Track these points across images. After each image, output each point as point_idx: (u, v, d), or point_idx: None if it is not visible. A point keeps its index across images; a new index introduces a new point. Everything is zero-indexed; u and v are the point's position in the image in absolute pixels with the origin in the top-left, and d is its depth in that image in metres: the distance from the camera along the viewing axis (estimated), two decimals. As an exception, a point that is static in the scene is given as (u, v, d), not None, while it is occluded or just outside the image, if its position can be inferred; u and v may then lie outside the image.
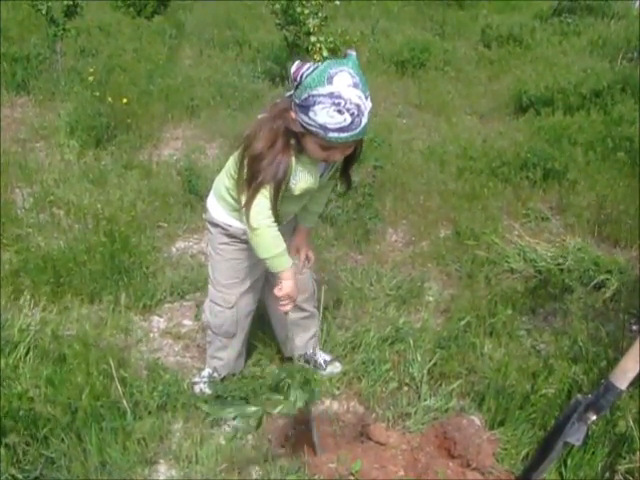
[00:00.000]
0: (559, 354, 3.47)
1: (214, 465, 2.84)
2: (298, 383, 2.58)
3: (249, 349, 3.46)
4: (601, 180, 5.46)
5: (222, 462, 2.87)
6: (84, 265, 4.07)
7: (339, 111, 2.37)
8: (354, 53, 2.46)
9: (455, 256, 4.59)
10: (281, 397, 2.58)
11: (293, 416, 3.11)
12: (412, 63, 9.06)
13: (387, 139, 6.22)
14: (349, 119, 2.39)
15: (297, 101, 2.46)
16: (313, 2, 7.38)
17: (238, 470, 2.86)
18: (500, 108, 7.68)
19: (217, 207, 2.95)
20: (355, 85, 2.37)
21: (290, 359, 3.26)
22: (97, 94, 6.75)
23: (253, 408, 2.58)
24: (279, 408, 2.57)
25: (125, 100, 6.65)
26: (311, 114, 2.41)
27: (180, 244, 4.74)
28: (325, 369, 3.46)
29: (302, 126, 2.49)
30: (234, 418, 2.72)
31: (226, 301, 3.08)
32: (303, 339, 3.40)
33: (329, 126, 2.41)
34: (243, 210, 2.64)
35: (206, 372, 3.33)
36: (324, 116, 2.39)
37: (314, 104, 2.38)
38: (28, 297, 3.84)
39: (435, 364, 3.45)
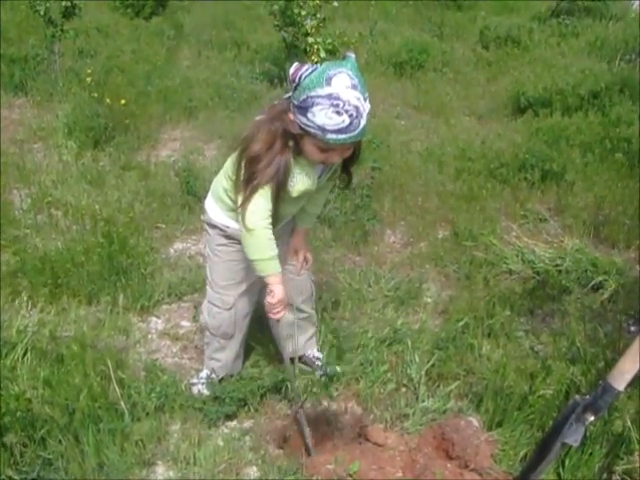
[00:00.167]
0: (557, 355, 3.47)
1: (212, 466, 2.84)
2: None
3: (247, 350, 3.45)
4: (599, 181, 5.46)
5: (220, 463, 2.87)
6: (82, 266, 4.07)
7: (337, 112, 2.36)
8: (353, 55, 2.46)
9: (453, 257, 4.59)
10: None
11: (291, 417, 3.12)
12: (410, 64, 9.06)
13: (385, 140, 6.22)
14: (347, 120, 2.39)
15: (295, 102, 2.45)
16: (311, 3, 7.37)
17: (236, 471, 2.86)
18: (498, 109, 7.69)
19: (215, 208, 2.95)
20: (354, 87, 2.37)
21: (290, 360, 3.26)
22: (95, 95, 6.74)
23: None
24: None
25: (123, 101, 6.65)
26: (309, 115, 2.41)
27: (178, 245, 4.74)
28: (323, 370, 3.45)
29: (300, 127, 2.48)
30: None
31: (224, 302, 3.07)
32: (301, 340, 3.40)
33: (327, 127, 2.40)
34: (239, 210, 2.64)
35: (204, 373, 3.33)
36: (322, 117, 2.38)
37: (312, 105, 2.38)
38: (26, 298, 3.84)
39: (433, 365, 3.45)
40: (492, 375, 3.27)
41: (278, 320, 2.83)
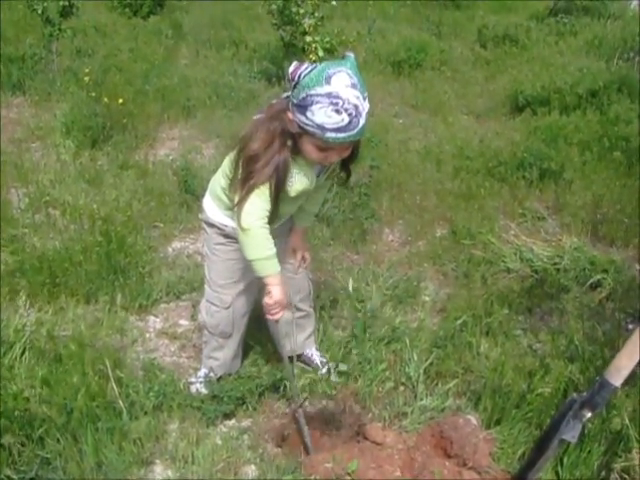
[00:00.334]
0: (555, 353, 3.47)
1: (210, 465, 2.84)
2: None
3: (245, 349, 3.45)
4: (597, 180, 5.46)
5: (218, 462, 2.86)
6: (80, 265, 4.07)
7: (337, 111, 2.36)
8: (352, 54, 2.45)
9: (451, 256, 4.59)
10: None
11: (289, 416, 3.12)
12: (408, 63, 9.06)
13: (384, 139, 6.23)
14: (347, 119, 2.39)
15: (295, 101, 2.45)
16: (309, 2, 7.37)
17: (234, 470, 2.86)
18: (496, 108, 7.69)
19: (213, 207, 2.95)
20: (353, 86, 2.37)
21: (288, 359, 3.25)
22: (93, 94, 6.73)
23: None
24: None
25: (121, 100, 6.64)
26: (309, 114, 2.41)
27: (176, 244, 4.74)
28: (322, 369, 3.45)
29: (299, 126, 2.48)
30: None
31: (222, 301, 3.07)
32: (300, 339, 3.40)
33: (327, 126, 2.40)
34: (235, 210, 2.63)
35: (202, 372, 3.33)
36: (322, 116, 2.38)
37: (312, 104, 2.38)
38: (24, 297, 3.83)
39: (431, 363, 3.45)
40: (490, 373, 3.27)
41: (276, 321, 2.82)
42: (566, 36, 10.40)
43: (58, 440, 2.81)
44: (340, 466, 2.76)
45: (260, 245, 2.65)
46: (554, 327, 3.81)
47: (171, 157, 6.01)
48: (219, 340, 3.20)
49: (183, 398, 3.16)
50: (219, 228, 2.94)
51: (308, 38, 7.34)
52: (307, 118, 2.42)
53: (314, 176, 2.74)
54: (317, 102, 2.37)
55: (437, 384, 3.37)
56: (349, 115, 2.38)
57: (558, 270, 4.30)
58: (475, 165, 5.83)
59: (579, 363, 3.32)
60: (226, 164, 2.82)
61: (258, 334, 3.50)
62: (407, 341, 3.56)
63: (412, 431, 3.08)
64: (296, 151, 2.59)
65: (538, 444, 2.70)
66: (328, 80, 2.35)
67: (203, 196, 3.04)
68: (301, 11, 7.39)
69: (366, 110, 2.43)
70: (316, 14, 7.44)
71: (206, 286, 3.14)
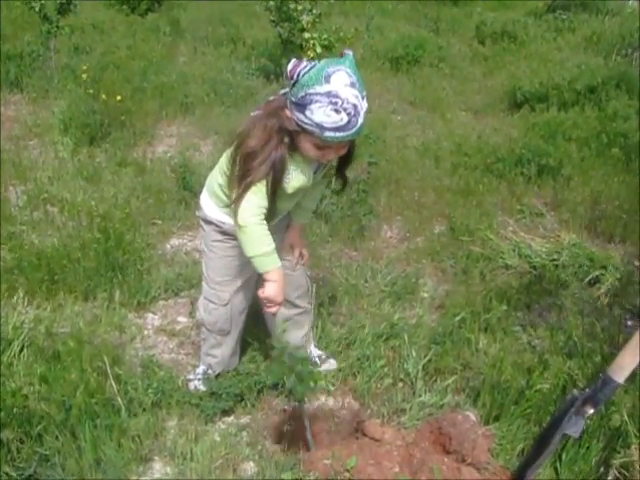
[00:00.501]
0: (554, 349, 3.47)
1: (209, 462, 2.83)
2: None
3: (244, 346, 3.45)
4: (595, 176, 5.46)
5: (217, 459, 2.86)
6: (78, 262, 4.06)
7: (336, 110, 2.36)
8: (351, 53, 2.45)
9: (450, 252, 4.59)
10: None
11: (288, 412, 3.12)
12: (406, 60, 9.07)
13: (382, 135, 6.23)
14: (346, 118, 2.39)
15: (293, 99, 2.45)
16: (307, -1, 7.39)
17: (233, 467, 2.85)
18: (494, 104, 7.69)
19: (210, 204, 2.94)
20: (352, 85, 2.37)
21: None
22: (91, 91, 6.71)
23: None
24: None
25: (119, 97, 6.62)
26: (308, 113, 2.40)
27: (174, 241, 4.73)
28: (320, 366, 3.45)
29: (298, 124, 2.48)
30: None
31: (220, 298, 3.07)
32: (297, 336, 3.40)
33: (326, 125, 2.40)
34: (232, 207, 2.63)
35: (201, 369, 3.32)
36: (321, 115, 2.38)
37: (311, 102, 2.38)
38: (22, 294, 3.82)
39: (430, 360, 3.45)
40: (489, 370, 3.27)
41: (273, 314, 2.83)
42: (564, 32, 10.42)
43: (57, 437, 2.81)
44: (339, 462, 2.75)
45: (258, 242, 2.65)
46: (553, 323, 3.81)
47: (169, 154, 6.01)
48: (217, 337, 3.20)
49: (182, 395, 3.15)
50: (216, 225, 2.94)
51: (306, 35, 7.35)
52: (306, 117, 2.42)
53: (311, 173, 2.74)
54: (316, 101, 2.37)
55: (436, 380, 3.37)
56: (348, 115, 2.38)
57: (557, 266, 4.30)
58: (473, 161, 5.83)
59: (578, 359, 3.33)
60: (223, 161, 2.81)
61: (256, 331, 3.49)
62: (406, 337, 3.56)
63: (411, 427, 3.08)
64: (293, 148, 2.59)
65: (538, 441, 2.71)
66: (327, 79, 2.35)
67: (201, 193, 3.03)
68: (299, 8, 7.38)
69: (365, 109, 2.43)
70: (314, 11, 7.44)
71: (204, 283, 3.14)
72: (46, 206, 4.96)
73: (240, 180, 2.59)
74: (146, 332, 3.80)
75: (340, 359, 3.50)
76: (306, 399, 2.94)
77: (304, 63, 2.44)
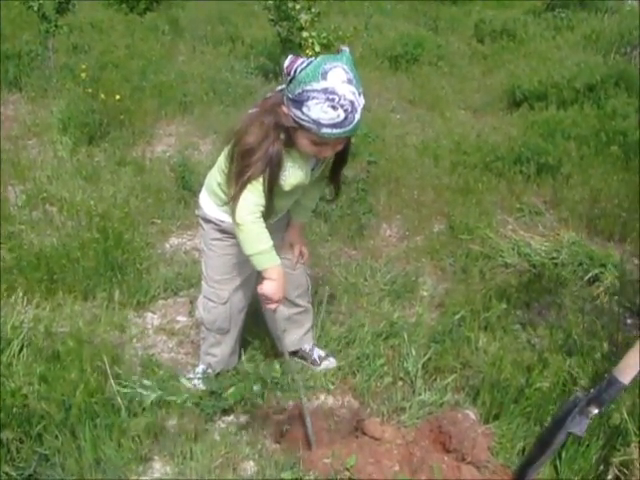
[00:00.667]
0: (554, 348, 3.47)
1: (209, 461, 2.83)
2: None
3: (243, 345, 3.45)
4: (595, 174, 5.46)
5: (217, 458, 2.86)
6: (77, 262, 4.06)
7: (333, 107, 2.36)
8: (347, 49, 2.45)
9: (449, 251, 4.59)
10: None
11: (288, 411, 3.12)
12: (405, 58, 9.07)
13: (381, 134, 6.22)
14: (343, 115, 2.39)
15: (290, 96, 2.45)
16: (305, -2, 7.39)
17: (233, 466, 2.85)
18: (494, 103, 7.69)
19: (209, 203, 2.94)
20: (349, 81, 2.37)
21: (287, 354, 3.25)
22: (89, 91, 6.71)
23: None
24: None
25: (118, 97, 6.62)
26: (304, 109, 2.40)
27: (174, 240, 4.73)
28: (320, 364, 3.45)
29: (294, 121, 2.48)
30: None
31: (219, 297, 3.07)
32: (297, 334, 3.40)
33: (322, 122, 2.40)
34: (230, 205, 2.64)
35: (200, 368, 3.32)
36: (318, 111, 2.38)
37: (308, 99, 2.38)
38: (21, 294, 3.82)
39: (430, 358, 3.45)
40: (489, 368, 3.27)
41: (273, 311, 2.83)
42: (563, 31, 10.42)
43: (56, 437, 2.80)
44: (339, 461, 2.75)
45: (255, 239, 2.66)
46: (552, 321, 3.81)
47: (168, 153, 6.01)
48: (217, 336, 3.20)
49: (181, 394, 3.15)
50: (215, 224, 2.94)
51: (305, 34, 7.34)
52: (303, 113, 2.42)
53: (309, 170, 2.75)
54: (313, 98, 2.37)
55: (435, 379, 3.37)
56: (345, 111, 2.38)
57: (556, 265, 4.30)
58: (472, 160, 5.82)
59: (577, 357, 3.33)
60: (222, 159, 2.82)
61: (256, 330, 3.50)
62: (405, 336, 3.56)
63: (411, 426, 3.08)
64: (290, 144, 2.59)
65: (539, 440, 2.71)
66: (324, 76, 2.35)
67: (200, 192, 3.03)
68: (297, 7, 7.39)
69: (361, 106, 2.44)
70: (312, 10, 7.44)
71: (203, 282, 3.14)
72: (45, 206, 4.96)
73: (237, 177, 2.59)
74: (146, 331, 3.79)
75: (340, 358, 3.50)
76: (306, 397, 2.95)
77: (301, 59, 2.44)
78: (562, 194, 5.26)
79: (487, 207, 5.09)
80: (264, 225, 2.66)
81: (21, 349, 3.29)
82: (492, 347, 3.50)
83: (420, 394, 3.25)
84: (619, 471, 2.77)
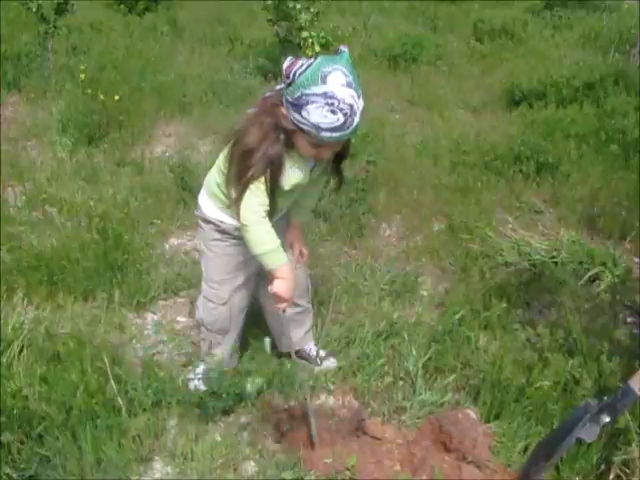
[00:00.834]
0: (554, 347, 3.46)
1: (209, 461, 2.83)
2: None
3: (243, 345, 3.45)
4: (594, 173, 5.46)
5: (217, 458, 2.86)
6: (77, 263, 4.06)
7: (332, 111, 2.37)
8: (346, 49, 2.45)
9: (449, 250, 4.59)
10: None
11: (289, 411, 3.11)
12: (404, 58, 9.06)
13: (380, 134, 6.22)
14: (342, 119, 2.39)
15: (289, 99, 2.45)
16: (305, -3, 7.39)
17: (234, 466, 2.85)
18: (493, 102, 7.68)
19: (209, 203, 2.94)
20: (349, 84, 2.37)
21: (287, 355, 3.25)
22: (89, 91, 6.70)
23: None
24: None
25: (117, 97, 6.61)
26: (304, 113, 2.41)
27: (173, 241, 4.73)
28: (320, 364, 3.45)
29: (294, 124, 2.48)
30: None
31: (219, 298, 3.07)
32: (298, 334, 3.40)
33: (322, 126, 2.41)
34: (234, 207, 2.64)
35: (201, 369, 3.32)
36: (317, 116, 2.39)
37: (307, 103, 2.38)
38: (21, 295, 3.82)
39: (430, 358, 3.45)
40: (489, 367, 3.27)
41: (284, 311, 2.82)
42: (562, 29, 10.43)
43: (57, 438, 2.80)
44: (339, 461, 2.76)
45: (262, 239, 2.66)
46: (552, 320, 3.80)
47: (167, 154, 6.01)
48: (217, 337, 3.20)
49: (182, 395, 3.15)
50: (215, 224, 2.93)
51: (305, 33, 7.35)
52: (302, 117, 2.42)
53: (308, 170, 2.75)
54: (313, 102, 2.37)
55: (436, 378, 3.36)
56: (344, 115, 2.38)
57: (556, 263, 4.29)
58: (472, 159, 5.82)
59: (578, 356, 3.32)
60: (221, 160, 2.82)
61: (256, 330, 3.49)
62: (405, 336, 3.56)
63: (411, 426, 3.08)
64: (289, 145, 2.60)
65: (544, 444, 2.70)
66: (324, 79, 2.35)
67: (199, 192, 3.03)
68: (297, 6, 7.38)
69: (361, 108, 2.44)
70: (312, 9, 7.44)
71: (203, 283, 3.14)
72: (45, 207, 4.96)
73: (238, 178, 2.59)
74: (146, 332, 3.79)
75: (340, 358, 3.50)
76: (308, 397, 2.95)
77: (300, 62, 2.43)
78: (562, 193, 5.26)
79: (487, 206, 5.08)
80: (270, 224, 2.66)
81: (21, 350, 3.29)
82: (492, 346, 3.49)
83: (421, 394, 3.25)
84: (620, 471, 2.77)
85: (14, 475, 2.69)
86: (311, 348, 3.50)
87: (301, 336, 3.42)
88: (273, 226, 2.72)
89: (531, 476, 2.68)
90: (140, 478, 2.80)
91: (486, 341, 3.55)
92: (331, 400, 3.27)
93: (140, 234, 4.57)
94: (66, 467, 2.73)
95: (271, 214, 2.71)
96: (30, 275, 3.99)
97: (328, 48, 7.35)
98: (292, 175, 2.67)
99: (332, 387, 3.33)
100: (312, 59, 2.44)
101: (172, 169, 5.49)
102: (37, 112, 6.85)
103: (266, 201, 2.63)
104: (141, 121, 6.65)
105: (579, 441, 2.54)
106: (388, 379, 3.35)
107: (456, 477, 2.74)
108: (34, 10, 7.49)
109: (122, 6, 11.59)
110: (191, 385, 3.26)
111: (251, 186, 2.57)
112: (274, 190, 2.63)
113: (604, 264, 4.21)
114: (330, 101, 2.35)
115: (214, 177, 2.86)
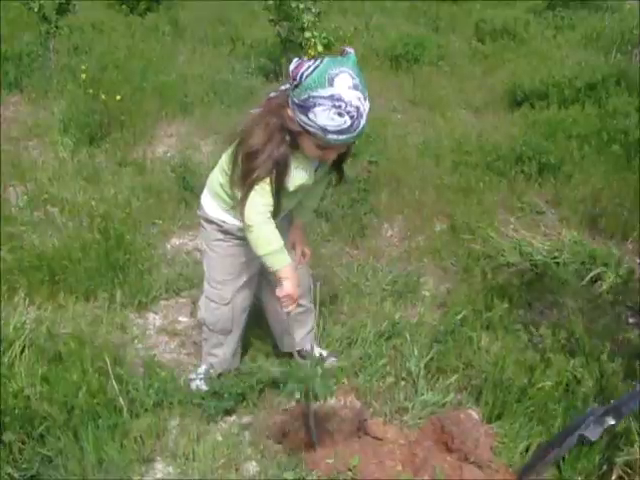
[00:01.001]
0: (556, 347, 3.46)
1: (211, 462, 2.83)
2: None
3: (246, 345, 3.45)
4: (596, 173, 5.45)
5: (219, 459, 2.86)
6: (79, 263, 4.06)
7: (339, 114, 2.37)
8: (352, 51, 2.45)
9: (451, 250, 4.59)
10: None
11: (290, 411, 3.11)
12: (406, 58, 9.05)
13: (382, 134, 6.22)
14: (349, 122, 2.39)
15: (296, 101, 2.45)
16: (308, -2, 7.38)
17: (235, 467, 2.85)
18: (495, 102, 7.68)
19: (211, 203, 2.94)
20: (355, 87, 2.37)
21: (288, 355, 3.24)
22: (90, 91, 6.70)
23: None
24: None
25: (118, 97, 6.61)
26: (311, 115, 2.41)
27: (175, 241, 4.73)
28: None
29: (300, 125, 2.48)
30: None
31: (221, 298, 3.06)
32: (300, 335, 3.39)
33: (329, 128, 2.41)
34: (238, 207, 2.64)
35: (202, 369, 3.32)
36: (324, 118, 2.39)
37: (314, 105, 2.38)
38: (23, 295, 3.82)
39: (432, 358, 3.45)
40: (491, 368, 3.26)
41: (289, 313, 2.82)
42: (564, 30, 10.42)
43: (59, 438, 2.80)
44: (341, 462, 2.75)
45: (267, 240, 2.66)
46: (554, 321, 3.80)
47: (169, 154, 6.01)
48: (219, 337, 3.20)
49: (183, 395, 3.15)
50: (217, 224, 2.93)
51: (307, 34, 7.34)
52: (309, 119, 2.42)
53: (312, 171, 2.75)
54: (320, 104, 2.37)
55: (438, 379, 3.36)
56: (351, 117, 2.39)
57: (558, 264, 4.29)
58: (474, 159, 5.82)
59: (580, 357, 3.32)
60: (224, 160, 2.81)
61: (258, 330, 3.49)
62: (407, 336, 3.56)
63: (413, 426, 3.08)
64: (294, 146, 2.59)
65: (548, 445, 2.70)
66: (331, 82, 2.35)
67: (202, 192, 3.03)
68: (300, 6, 7.38)
69: (367, 110, 2.45)
70: (314, 9, 7.44)
71: (205, 283, 3.13)
72: (46, 206, 4.96)
73: (243, 179, 2.59)
74: (148, 332, 3.79)
75: (342, 358, 3.49)
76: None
77: (307, 64, 2.43)
78: (563, 193, 5.25)
79: (488, 207, 5.08)
80: (274, 225, 2.66)
81: (23, 350, 3.29)
82: (494, 347, 3.49)
83: (422, 394, 3.24)
84: (623, 471, 2.77)
85: (16, 475, 2.69)
86: (313, 348, 3.49)
87: (303, 336, 3.42)
88: (276, 226, 2.72)
89: (531, 473, 2.68)
90: (142, 478, 2.80)
91: (488, 341, 3.55)
92: (333, 400, 3.27)
93: (142, 234, 4.57)
94: (68, 467, 2.73)
95: (275, 215, 2.71)
96: (32, 275, 3.99)
97: (330, 48, 7.34)
98: (297, 176, 2.67)
99: (333, 387, 3.32)
100: (318, 61, 2.43)
101: (174, 169, 5.50)
102: (39, 112, 6.85)
103: (271, 202, 2.63)
104: (143, 121, 6.64)
105: (582, 439, 2.54)
106: (390, 379, 3.35)
107: (458, 477, 2.73)
108: (36, 10, 7.49)
109: (124, 6, 11.60)
110: (193, 385, 3.27)
111: (256, 187, 2.57)
112: (279, 191, 2.63)
113: (606, 264, 4.21)
114: (337, 104, 2.36)
115: (217, 177, 2.86)
